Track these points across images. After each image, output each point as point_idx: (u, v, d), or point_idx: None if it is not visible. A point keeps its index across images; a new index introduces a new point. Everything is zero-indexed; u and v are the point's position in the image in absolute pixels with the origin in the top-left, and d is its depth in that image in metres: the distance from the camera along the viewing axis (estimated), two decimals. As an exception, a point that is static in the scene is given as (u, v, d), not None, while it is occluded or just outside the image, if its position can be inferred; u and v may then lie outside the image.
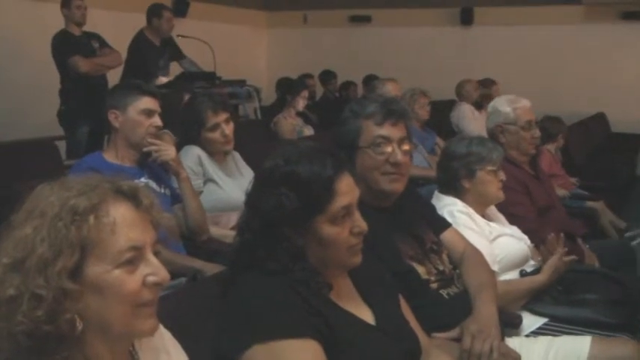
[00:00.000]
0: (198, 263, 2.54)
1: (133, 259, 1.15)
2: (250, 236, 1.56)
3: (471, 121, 6.63)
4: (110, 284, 1.12)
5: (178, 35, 6.09)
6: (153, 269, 1.17)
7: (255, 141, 4.74)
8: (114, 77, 5.40)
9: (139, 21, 5.89)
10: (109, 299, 1.13)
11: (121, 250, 1.13)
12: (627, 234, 4.71)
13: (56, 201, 1.13)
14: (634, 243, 4.46)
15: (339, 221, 1.53)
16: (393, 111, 2.07)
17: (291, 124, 5.59)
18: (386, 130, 2.05)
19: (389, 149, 2.06)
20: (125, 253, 1.14)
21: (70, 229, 1.10)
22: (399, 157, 2.06)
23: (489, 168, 2.62)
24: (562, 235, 2.66)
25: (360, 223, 1.57)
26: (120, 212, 1.15)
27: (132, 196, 1.19)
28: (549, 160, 4.93)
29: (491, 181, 2.63)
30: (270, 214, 1.51)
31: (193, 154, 3.12)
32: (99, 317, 1.13)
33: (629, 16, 8.39)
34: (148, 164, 2.81)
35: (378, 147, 2.05)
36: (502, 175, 2.66)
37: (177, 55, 6.07)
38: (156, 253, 1.19)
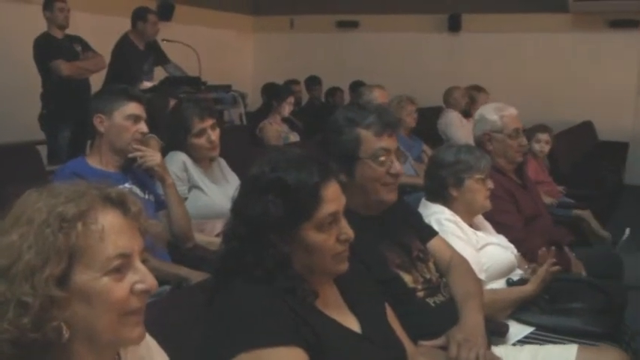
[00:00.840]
0: (183, 271, 2.55)
1: (121, 266, 1.15)
2: (236, 243, 1.57)
3: (458, 128, 6.65)
4: (98, 292, 1.13)
5: (163, 39, 6.09)
6: (141, 277, 1.17)
7: (240, 147, 4.75)
8: (97, 81, 5.40)
9: (123, 24, 5.89)
10: (96, 307, 1.13)
11: (109, 258, 1.14)
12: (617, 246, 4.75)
13: (44, 207, 1.13)
14: (617, 246, 4.52)
15: (326, 228, 1.55)
16: (389, 122, 2.11)
17: (276, 130, 5.60)
18: (385, 142, 2.09)
19: (389, 161, 2.09)
20: (113, 260, 1.14)
21: (57, 236, 1.11)
22: (398, 168, 2.11)
23: (477, 176, 2.65)
24: (552, 248, 2.69)
25: (347, 230, 1.59)
26: (108, 219, 1.16)
27: (120, 203, 1.19)
28: (535, 167, 4.97)
29: (479, 190, 2.65)
30: (257, 220, 1.52)
31: (178, 160, 3.12)
32: (86, 325, 1.13)
33: (617, 24, 8.45)
34: (132, 170, 2.81)
35: (379, 158, 2.08)
36: (490, 184, 2.69)
37: (162, 59, 6.07)
38: (143, 261, 1.20)
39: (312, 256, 1.56)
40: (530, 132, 5.13)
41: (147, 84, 5.62)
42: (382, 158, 2.08)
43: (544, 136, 5.16)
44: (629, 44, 8.41)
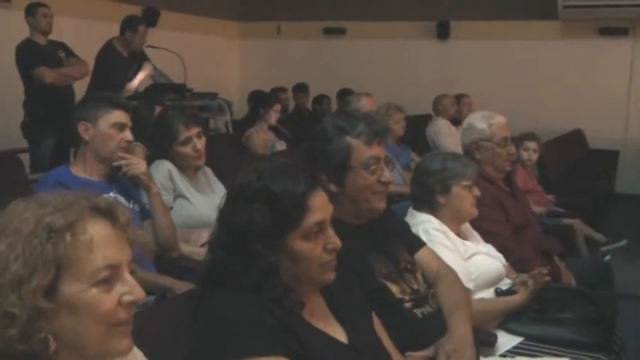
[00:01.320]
0: (167, 281, 2.55)
1: (110, 277, 1.16)
2: (222, 253, 1.58)
3: (447, 136, 6.70)
4: (86, 303, 1.13)
5: (148, 46, 6.09)
6: (129, 288, 1.18)
7: (226, 156, 4.76)
8: (81, 88, 5.40)
9: (108, 30, 5.89)
10: (84, 318, 1.13)
11: (97, 269, 1.14)
12: (603, 248, 4.81)
13: (31, 218, 1.13)
14: (607, 258, 4.56)
15: (313, 237, 1.56)
16: (378, 131, 2.14)
17: (263, 139, 5.62)
18: (375, 150, 2.11)
19: (379, 169, 2.12)
20: (102, 271, 1.15)
21: (45, 247, 1.11)
22: (388, 176, 2.15)
23: (464, 183, 2.68)
24: (546, 271, 2.72)
25: (334, 239, 1.60)
26: (97, 230, 1.16)
27: (109, 214, 1.20)
28: (524, 176, 5.01)
29: (465, 197, 2.68)
30: (243, 230, 1.53)
31: (164, 168, 3.13)
32: (73, 337, 1.14)
33: (606, 32, 8.53)
34: (117, 179, 2.81)
35: (370, 167, 2.10)
36: (476, 191, 2.72)
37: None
38: (131, 272, 1.20)
39: (299, 266, 1.57)
40: (518, 140, 5.17)
41: (132, 85, 5.60)
42: (373, 167, 2.10)
43: (532, 144, 5.20)
44: (619, 51, 8.50)
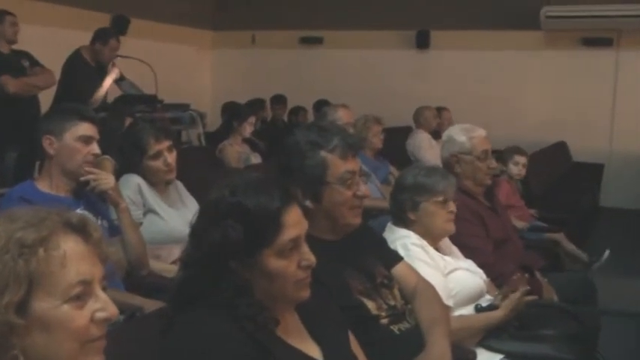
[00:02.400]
0: (137, 300, 2.55)
1: (82, 294, 1.18)
2: (194, 270, 1.60)
3: (427, 150, 6.73)
4: (58, 320, 1.15)
5: (118, 55, 6.09)
6: (102, 304, 1.20)
7: (199, 169, 4.77)
8: (46, 99, 5.38)
9: (76, 38, 5.89)
10: (56, 335, 1.15)
11: (70, 285, 1.16)
12: (592, 267, 4.86)
13: (2, 233, 1.15)
14: (595, 266, 4.61)
15: (287, 254, 1.59)
16: (353, 144, 2.17)
17: (237, 152, 5.63)
18: (350, 165, 2.15)
19: (355, 183, 2.15)
20: (75, 287, 1.16)
21: (17, 262, 1.12)
22: (364, 190, 2.18)
23: (434, 200, 2.70)
24: (526, 275, 2.76)
25: (309, 256, 1.63)
26: (70, 245, 1.18)
27: (81, 229, 1.22)
28: (507, 190, 5.07)
29: (436, 213, 2.70)
30: (216, 246, 1.55)
31: (133, 183, 3.14)
32: (45, 353, 1.15)
33: (590, 42, 8.65)
34: (85, 194, 2.81)
35: (346, 182, 2.13)
36: (452, 207, 2.74)
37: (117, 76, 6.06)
38: (104, 289, 1.22)
39: (273, 283, 1.59)
40: (507, 154, 5.25)
41: (100, 93, 5.59)
42: (349, 181, 2.13)
43: (522, 159, 5.26)
44: (603, 62, 8.61)
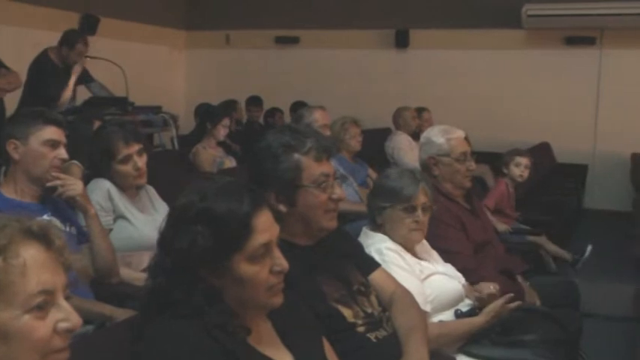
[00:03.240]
0: (107, 309, 2.55)
1: (44, 303, 1.17)
2: (163, 278, 1.60)
3: (407, 152, 6.75)
4: (19, 331, 1.14)
5: (87, 56, 6.07)
6: (65, 315, 1.19)
7: (171, 173, 4.75)
8: (12, 101, 5.35)
9: (43, 38, 5.86)
10: (17, 347, 1.14)
11: (31, 294, 1.16)
12: (576, 266, 4.91)
13: None
14: (578, 265, 4.66)
15: (258, 260, 1.60)
16: (327, 146, 2.19)
17: (211, 155, 5.61)
18: (325, 167, 2.16)
19: (330, 186, 2.16)
20: (36, 297, 1.16)
21: None
22: (340, 192, 2.19)
23: (400, 206, 2.69)
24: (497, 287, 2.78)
25: (281, 261, 1.64)
26: (30, 254, 1.18)
27: (42, 237, 1.22)
28: (502, 192, 5.06)
29: (400, 220, 2.69)
30: (185, 253, 1.56)
31: (102, 188, 3.13)
32: None
33: (573, 41, 8.72)
34: (52, 200, 2.80)
35: (322, 185, 2.14)
36: (420, 216, 2.71)
37: (85, 77, 6.04)
38: (67, 298, 1.22)
39: (245, 290, 1.60)
40: (508, 155, 5.27)
41: (65, 96, 5.56)
42: (324, 184, 2.14)
43: (524, 160, 5.21)
44: (587, 61, 8.69)
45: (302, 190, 2.13)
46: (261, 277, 1.60)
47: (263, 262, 1.61)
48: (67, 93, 5.59)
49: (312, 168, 2.13)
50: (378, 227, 2.74)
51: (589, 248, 4.98)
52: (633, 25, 8.26)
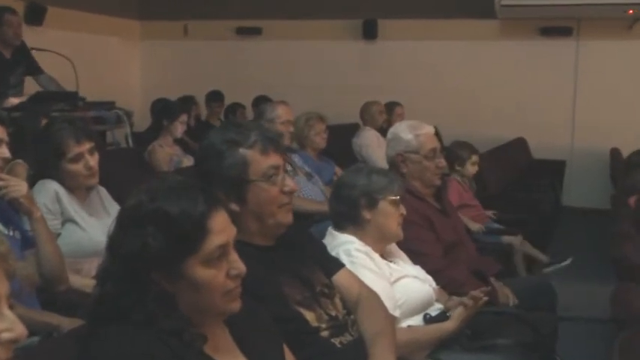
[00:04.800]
0: (54, 319, 2.53)
1: None
2: (112, 285, 1.60)
3: (375, 148, 6.77)
4: None
5: (32, 48, 6.00)
6: (8, 324, 1.19)
7: (125, 173, 4.73)
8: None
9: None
10: None
11: None
12: (546, 270, 5.00)
13: None
14: (552, 268, 4.73)
15: (214, 263, 1.60)
16: (272, 138, 2.20)
17: (167, 154, 5.59)
18: (273, 159, 2.17)
19: (280, 178, 2.17)
20: None
21: None
22: (291, 184, 2.20)
23: (391, 198, 2.75)
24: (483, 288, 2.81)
25: (238, 264, 1.64)
26: None
27: None
28: (458, 189, 5.16)
29: (392, 214, 2.76)
30: (136, 257, 1.55)
31: (49, 189, 3.11)
32: None
33: (549, 31, 8.84)
34: (-7, 203, 2.78)
35: (271, 178, 2.15)
36: (402, 209, 2.80)
37: (34, 69, 5.98)
38: (10, 307, 1.21)
39: (200, 295, 1.60)
40: (465, 152, 5.35)
41: (13, 100, 5.51)
42: (273, 177, 2.15)
43: (477, 158, 5.39)
44: (563, 52, 8.82)
45: (251, 185, 2.14)
46: (218, 282, 1.60)
47: (219, 265, 1.61)
48: (14, 101, 5.52)
49: (259, 161, 2.14)
50: (346, 227, 2.75)
51: (569, 260, 5.08)
52: (611, 14, 8.38)
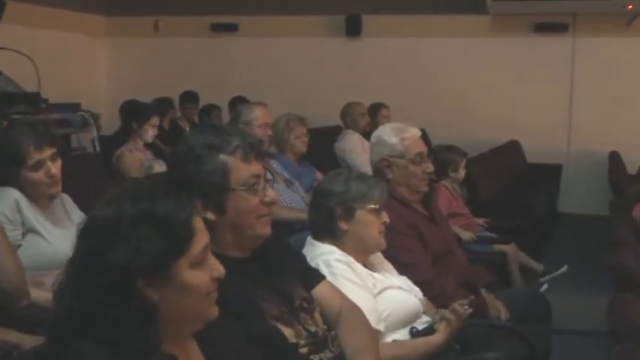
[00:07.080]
0: (13, 336, 2.53)
1: None
2: (81, 300, 1.57)
3: (360, 153, 6.78)
4: None
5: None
6: None
7: (92, 180, 4.72)
8: None
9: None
10: None
11: None
12: (542, 279, 5.04)
13: None
14: (543, 289, 4.78)
15: (200, 265, 1.61)
16: (254, 145, 2.20)
17: (137, 159, 5.58)
18: (254, 168, 2.18)
19: (261, 188, 2.18)
20: None
21: None
22: (273, 195, 2.22)
23: (370, 206, 2.76)
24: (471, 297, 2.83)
25: (217, 266, 1.66)
26: None
27: None
28: (448, 197, 5.19)
29: (372, 223, 2.77)
30: (126, 265, 1.52)
31: (9, 198, 3.10)
32: None
33: (543, 28, 8.90)
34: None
35: (253, 187, 2.16)
36: (385, 217, 2.81)
37: (-11, 70, 5.94)
38: None
39: (186, 300, 1.60)
40: (458, 157, 5.39)
41: None
42: (254, 186, 2.17)
43: (466, 161, 5.43)
44: (559, 50, 8.88)
45: (231, 194, 2.14)
46: (204, 283, 1.62)
47: (204, 267, 1.62)
48: None
49: (241, 169, 2.15)
50: (325, 236, 2.76)
51: (564, 268, 5.12)
52: (609, 10, 8.42)
